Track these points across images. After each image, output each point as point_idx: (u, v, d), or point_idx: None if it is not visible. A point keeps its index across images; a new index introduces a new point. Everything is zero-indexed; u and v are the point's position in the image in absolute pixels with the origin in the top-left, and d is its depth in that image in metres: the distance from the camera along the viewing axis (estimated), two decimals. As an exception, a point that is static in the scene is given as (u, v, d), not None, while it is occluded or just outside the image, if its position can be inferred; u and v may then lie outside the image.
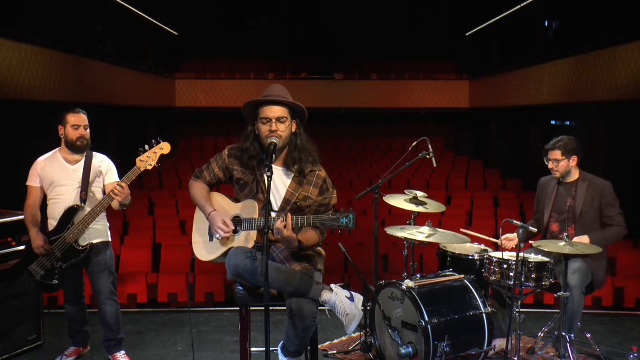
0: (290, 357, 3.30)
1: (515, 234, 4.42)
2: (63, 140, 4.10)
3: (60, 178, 4.07)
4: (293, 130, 3.28)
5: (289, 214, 3.02)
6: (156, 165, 3.84)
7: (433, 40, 18.03)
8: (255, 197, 3.27)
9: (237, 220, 3.28)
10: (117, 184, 3.84)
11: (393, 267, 7.04)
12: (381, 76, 18.37)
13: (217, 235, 3.24)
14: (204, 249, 3.37)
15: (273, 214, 3.13)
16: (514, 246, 4.36)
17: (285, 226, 2.99)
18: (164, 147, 3.86)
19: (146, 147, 3.84)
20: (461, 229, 4.68)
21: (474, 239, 4.57)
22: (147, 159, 3.83)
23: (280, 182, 3.28)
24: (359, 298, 3.28)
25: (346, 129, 18.81)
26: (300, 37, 18.96)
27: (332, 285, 3.26)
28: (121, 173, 4.28)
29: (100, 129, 13.53)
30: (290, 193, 3.26)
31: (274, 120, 3.19)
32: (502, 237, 4.38)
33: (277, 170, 3.26)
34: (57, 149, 4.18)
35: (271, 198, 3.20)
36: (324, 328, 4.94)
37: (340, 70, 18.27)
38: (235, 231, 3.28)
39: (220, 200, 3.41)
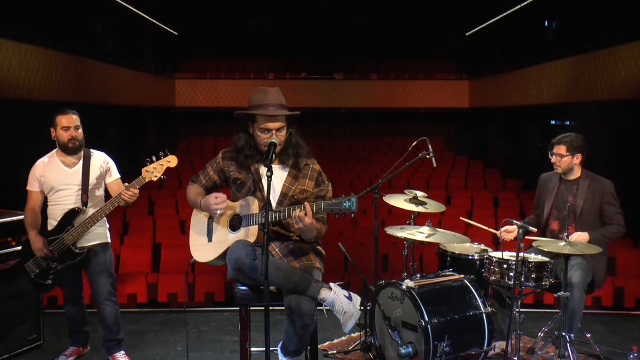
0: (290, 357, 3.30)
1: (514, 227, 4.41)
2: (57, 143, 4.07)
3: (59, 183, 4.05)
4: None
5: (307, 203, 3.05)
6: (161, 177, 3.83)
7: (433, 40, 18.03)
8: (254, 195, 3.30)
9: (236, 219, 3.30)
10: (129, 189, 3.82)
11: (393, 267, 7.03)
12: (381, 76, 18.37)
13: (219, 212, 3.27)
14: (202, 251, 3.38)
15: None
16: (513, 238, 4.37)
17: (306, 214, 3.01)
18: (171, 160, 3.84)
19: (153, 158, 3.82)
20: (461, 217, 4.66)
21: (473, 231, 4.56)
22: (153, 170, 3.82)
23: (277, 178, 3.29)
24: (357, 298, 3.29)
25: (346, 129, 18.81)
26: (300, 37, 18.95)
27: (331, 284, 3.27)
28: (121, 174, 4.28)
29: (100, 129, 13.53)
30: (287, 187, 3.31)
31: (274, 131, 3.24)
32: (502, 229, 4.38)
33: (274, 168, 3.27)
34: (54, 150, 4.14)
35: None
36: (324, 328, 4.94)
37: (340, 70, 18.27)
38: (234, 229, 3.29)
39: (219, 199, 3.42)
